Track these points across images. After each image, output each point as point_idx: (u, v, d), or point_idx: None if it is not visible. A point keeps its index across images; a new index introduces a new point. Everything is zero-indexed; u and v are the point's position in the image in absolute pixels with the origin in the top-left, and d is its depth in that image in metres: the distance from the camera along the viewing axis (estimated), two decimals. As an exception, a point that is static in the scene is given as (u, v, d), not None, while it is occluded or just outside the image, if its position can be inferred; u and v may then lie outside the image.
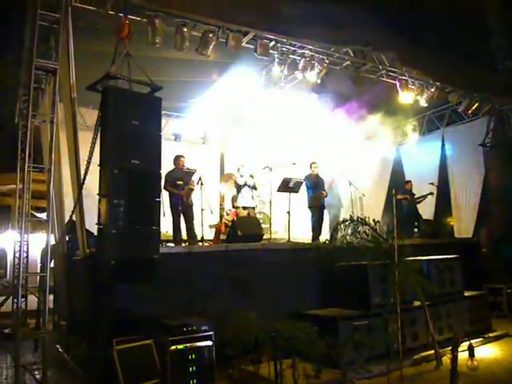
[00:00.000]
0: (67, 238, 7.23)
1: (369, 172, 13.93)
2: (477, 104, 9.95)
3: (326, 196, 9.44)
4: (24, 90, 6.68)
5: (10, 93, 9.76)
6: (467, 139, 11.54)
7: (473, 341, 6.29)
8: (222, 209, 9.64)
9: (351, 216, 6.14)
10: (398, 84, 8.73)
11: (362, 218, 6.26)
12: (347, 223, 6.13)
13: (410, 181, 11.42)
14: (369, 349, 6.03)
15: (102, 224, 4.95)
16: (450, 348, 5.06)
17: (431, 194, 11.21)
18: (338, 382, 4.82)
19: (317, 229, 9.07)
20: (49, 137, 5.94)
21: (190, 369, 4.76)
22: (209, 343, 4.95)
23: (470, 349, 5.61)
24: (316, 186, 9.34)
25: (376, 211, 12.33)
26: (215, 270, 6.44)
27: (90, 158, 5.57)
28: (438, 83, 9.06)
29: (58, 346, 7.31)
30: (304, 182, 8.83)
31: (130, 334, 5.35)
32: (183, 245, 7.47)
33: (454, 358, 3.52)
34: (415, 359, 6.36)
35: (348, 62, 7.92)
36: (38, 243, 9.17)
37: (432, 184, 11.13)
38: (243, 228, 7.16)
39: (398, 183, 12.86)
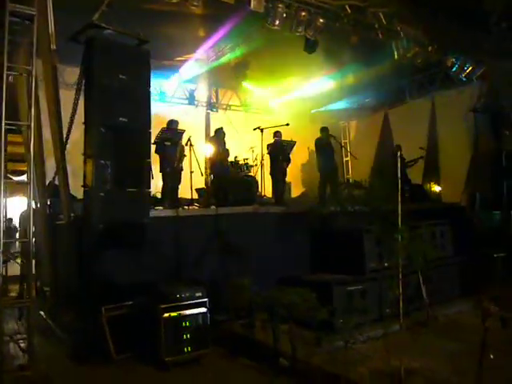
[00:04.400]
0: (48, 202, 6.90)
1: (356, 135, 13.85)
2: (471, 67, 9.71)
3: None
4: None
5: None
6: (458, 104, 11.34)
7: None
8: (207, 172, 9.33)
9: (348, 179, 5.93)
10: (393, 44, 8.40)
11: (357, 181, 6.09)
12: (342, 187, 5.96)
13: (399, 145, 11.20)
14: (363, 313, 5.98)
15: (88, 186, 4.65)
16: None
17: (421, 157, 11.08)
18: (337, 348, 4.72)
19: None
20: (25, 94, 5.52)
21: (184, 336, 4.59)
22: (203, 310, 4.77)
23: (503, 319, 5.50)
24: None
25: (363, 175, 12.21)
26: (205, 235, 6.23)
27: (72, 115, 5.19)
28: (434, 44, 8.76)
29: (41, 313, 7.09)
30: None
31: (119, 301, 5.17)
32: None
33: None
34: (409, 322, 6.33)
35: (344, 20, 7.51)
36: (17, 208, 8.81)
37: (422, 148, 10.98)
38: (235, 191, 6.91)
39: (386, 147, 12.77)
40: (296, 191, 12.03)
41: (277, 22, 6.62)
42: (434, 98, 12.05)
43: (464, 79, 10.20)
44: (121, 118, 4.59)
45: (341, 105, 13.80)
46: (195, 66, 10.96)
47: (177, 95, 11.90)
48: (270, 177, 8.45)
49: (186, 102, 12.03)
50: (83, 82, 4.88)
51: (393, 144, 12.64)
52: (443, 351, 5.05)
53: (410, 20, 8.41)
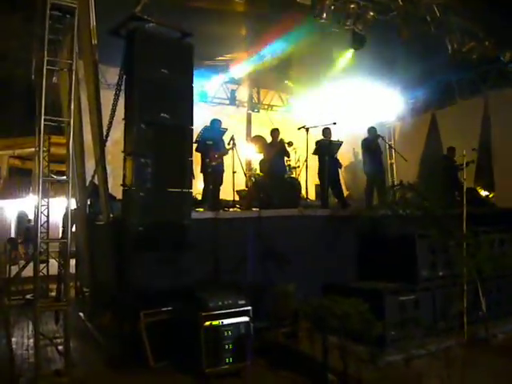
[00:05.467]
0: (88, 202, 6.82)
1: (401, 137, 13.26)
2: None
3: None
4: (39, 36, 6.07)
5: (25, 50, 9.24)
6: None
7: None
8: (251, 173, 9.04)
9: (401, 181, 5.51)
10: (447, 38, 7.88)
11: (410, 184, 5.67)
12: (395, 189, 5.55)
13: (453, 147, 10.43)
14: (416, 326, 5.54)
15: (128, 186, 4.44)
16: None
17: (473, 161, 10.40)
18: (389, 364, 4.32)
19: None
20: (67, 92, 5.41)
21: (226, 346, 4.29)
22: (246, 319, 4.46)
23: None
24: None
25: (408, 178, 11.64)
26: (247, 238, 5.94)
27: (112, 113, 5.03)
28: (490, 38, 8.17)
29: (81, 314, 7.02)
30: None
31: (157, 306, 4.96)
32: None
33: None
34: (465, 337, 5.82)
35: (395, 13, 7.07)
36: (60, 208, 8.82)
37: (474, 150, 10.30)
38: (279, 193, 6.59)
39: (433, 149, 12.15)
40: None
41: (324, 15, 6.30)
42: (488, 97, 11.36)
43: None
44: (162, 114, 4.36)
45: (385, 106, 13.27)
46: (237, 65, 10.76)
47: (218, 95, 11.71)
48: (312, 179, 8.10)
49: (227, 102, 11.83)
50: (124, 77, 4.69)
51: (441, 146, 12.03)
52: (506, 372, 4.56)
53: (465, 12, 7.88)
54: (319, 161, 7.73)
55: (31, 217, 13.46)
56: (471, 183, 10.97)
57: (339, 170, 8.12)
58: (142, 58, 4.32)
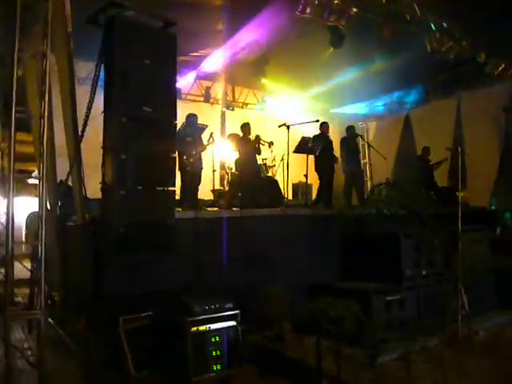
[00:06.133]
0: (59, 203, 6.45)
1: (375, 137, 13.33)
2: (504, 65, 9.22)
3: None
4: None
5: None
6: (485, 104, 10.82)
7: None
8: (230, 172, 8.82)
9: (387, 179, 5.44)
10: (426, 37, 7.90)
11: (395, 182, 5.61)
12: (381, 187, 5.47)
13: (428, 148, 10.47)
14: (402, 326, 5.49)
15: (108, 183, 4.15)
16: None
17: (446, 159, 10.54)
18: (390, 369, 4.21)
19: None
20: (35, 85, 5.05)
21: (214, 353, 4.06)
22: (234, 323, 4.24)
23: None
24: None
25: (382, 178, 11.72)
26: (229, 239, 5.73)
27: (89, 107, 4.70)
28: (468, 39, 8.25)
29: (50, 320, 6.62)
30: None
31: (137, 311, 4.67)
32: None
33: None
34: (448, 336, 5.81)
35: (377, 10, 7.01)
36: (22, 208, 8.33)
37: (449, 149, 10.43)
38: (261, 192, 6.39)
39: (407, 149, 12.30)
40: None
41: (308, 10, 6.14)
42: (460, 97, 11.55)
43: (496, 77, 9.72)
44: (144, 108, 4.09)
45: (360, 105, 13.32)
46: (212, 62, 10.50)
47: (192, 92, 11.42)
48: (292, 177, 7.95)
49: (202, 99, 11.56)
50: (101, 68, 4.39)
51: (415, 146, 12.17)
52: (495, 371, 4.55)
53: (443, 12, 7.91)
54: (317, 157, 7.63)
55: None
56: (445, 182, 11.13)
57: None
58: (122, 48, 4.03)
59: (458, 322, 5.63)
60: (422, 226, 5.62)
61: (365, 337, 4.00)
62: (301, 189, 10.47)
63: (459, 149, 6.16)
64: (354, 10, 6.57)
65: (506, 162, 10.09)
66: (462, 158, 11.12)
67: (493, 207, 10.00)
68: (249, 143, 7.87)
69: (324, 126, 7.99)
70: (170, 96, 4.32)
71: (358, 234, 6.35)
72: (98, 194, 4.70)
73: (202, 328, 4.05)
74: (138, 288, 4.68)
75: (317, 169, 7.96)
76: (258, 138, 8.07)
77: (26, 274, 6.55)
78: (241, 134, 8.19)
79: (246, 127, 8.17)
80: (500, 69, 9.31)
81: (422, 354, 4.86)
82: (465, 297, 5.91)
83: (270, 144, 8.32)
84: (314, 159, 7.77)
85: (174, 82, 4.39)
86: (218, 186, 9.18)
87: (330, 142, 7.96)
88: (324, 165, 7.80)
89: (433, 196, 9.74)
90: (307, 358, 4.29)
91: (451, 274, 5.97)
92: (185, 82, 10.98)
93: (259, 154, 8.38)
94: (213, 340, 4.08)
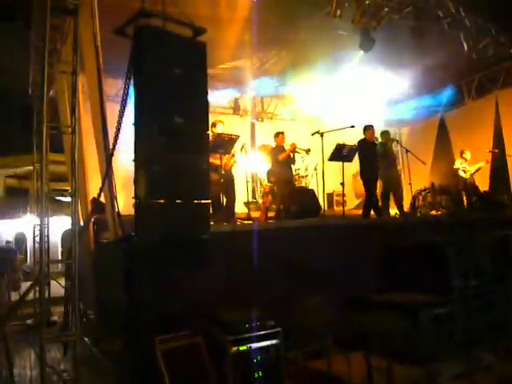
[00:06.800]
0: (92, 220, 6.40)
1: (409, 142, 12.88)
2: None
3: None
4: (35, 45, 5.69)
5: (20, 64, 8.92)
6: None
7: None
8: (261, 183, 8.64)
9: (432, 184, 5.13)
10: (462, 35, 7.56)
11: (442, 186, 5.30)
12: (425, 193, 5.17)
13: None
14: (450, 341, 5.11)
15: (140, 197, 4.01)
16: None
17: (487, 162, 10.06)
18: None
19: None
20: (67, 102, 5.02)
21: (256, 374, 3.83)
22: (276, 341, 4.00)
23: None
24: None
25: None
26: (266, 252, 5.51)
27: (119, 122, 4.61)
28: (505, 34, 7.87)
29: (85, 339, 6.54)
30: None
31: (173, 330, 4.49)
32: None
33: None
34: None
35: (408, 9, 6.74)
36: (58, 227, 8.35)
37: (491, 151, 9.97)
38: (297, 202, 6.16)
39: (443, 152, 11.87)
40: (350, 203, 11.21)
41: (338, 12, 5.94)
42: (498, 97, 11.07)
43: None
44: (176, 118, 3.96)
45: (392, 110, 12.97)
46: (239, 73, 10.42)
47: (221, 104, 11.34)
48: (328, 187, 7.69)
49: (231, 111, 11.47)
50: (131, 81, 4.29)
51: (451, 149, 11.74)
52: None
53: (477, 8, 7.58)
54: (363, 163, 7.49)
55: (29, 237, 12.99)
56: (486, 186, 10.62)
57: None
58: (152, 57, 3.92)
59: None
60: (470, 232, 5.28)
61: (417, 353, 3.67)
62: (336, 198, 10.22)
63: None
64: (385, 10, 6.33)
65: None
66: (504, 160, 10.69)
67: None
68: (283, 152, 7.68)
69: (368, 130, 7.72)
70: (202, 105, 4.17)
71: (400, 242, 6.03)
72: (130, 210, 4.60)
73: (242, 347, 3.83)
74: (174, 306, 4.51)
75: (363, 177, 7.72)
76: (293, 145, 7.90)
77: (63, 292, 6.53)
78: (273, 144, 8.02)
79: (279, 136, 8.00)
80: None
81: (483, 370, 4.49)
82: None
83: (308, 151, 8.07)
84: (359, 167, 7.53)
85: (206, 91, 4.24)
86: (250, 199, 9.01)
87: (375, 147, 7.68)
88: (370, 172, 7.54)
89: (476, 201, 9.29)
90: (355, 378, 4.00)
91: (503, 282, 5.59)
92: (213, 94, 10.92)
93: (293, 163, 8.20)
94: (255, 360, 3.85)
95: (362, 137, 7.87)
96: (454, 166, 10.11)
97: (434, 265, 5.61)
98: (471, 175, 9.95)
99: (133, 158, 4.05)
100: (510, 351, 5.43)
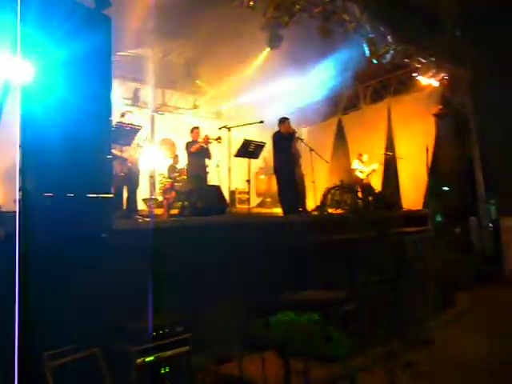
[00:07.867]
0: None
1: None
2: (434, 70, 9.51)
3: None
4: None
5: None
6: (413, 110, 11.13)
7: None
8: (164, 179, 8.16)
9: (341, 181, 5.14)
10: (364, 40, 7.84)
11: (348, 184, 5.34)
12: (334, 190, 5.16)
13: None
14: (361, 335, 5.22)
15: (26, 191, 3.40)
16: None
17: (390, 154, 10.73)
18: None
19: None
20: None
21: (163, 386, 3.45)
22: (185, 348, 3.66)
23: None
24: None
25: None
26: (172, 253, 5.09)
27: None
28: (401, 44, 8.34)
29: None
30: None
31: (68, 342, 3.91)
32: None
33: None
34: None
35: (318, 9, 6.78)
36: None
37: (385, 154, 10.59)
38: (204, 198, 5.84)
39: (341, 153, 12.42)
40: (252, 201, 11.12)
41: (251, 3, 5.74)
42: (390, 103, 11.81)
43: (427, 82, 9.98)
44: (73, 99, 3.42)
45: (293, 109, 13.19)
46: (139, 62, 9.78)
47: (119, 94, 10.57)
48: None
49: (130, 102, 10.75)
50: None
51: (348, 151, 12.29)
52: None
53: (380, 16, 7.91)
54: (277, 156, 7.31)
55: None
56: (379, 187, 11.25)
57: None
58: (38, 25, 3.31)
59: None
60: (373, 230, 5.41)
61: (332, 353, 3.59)
62: (238, 195, 10.11)
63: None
64: (298, 6, 6.29)
65: (436, 166, 10.39)
66: (395, 162, 11.43)
67: (426, 210, 10.21)
68: (197, 147, 7.39)
69: (283, 123, 7.52)
70: (104, 86, 3.70)
71: (308, 240, 6.01)
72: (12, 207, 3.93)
73: (148, 358, 3.43)
74: (67, 314, 3.92)
75: (278, 170, 7.58)
76: (206, 137, 7.65)
77: None
78: (173, 139, 7.66)
79: (194, 131, 7.92)
80: (430, 74, 9.54)
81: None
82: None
83: (218, 139, 7.75)
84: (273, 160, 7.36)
85: (109, 70, 3.77)
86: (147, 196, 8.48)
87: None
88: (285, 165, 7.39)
89: (371, 201, 9.73)
90: (270, 380, 3.81)
91: (402, 277, 5.84)
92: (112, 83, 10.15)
93: (209, 158, 7.92)
94: (163, 371, 3.47)
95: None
96: (351, 167, 10.62)
97: (341, 262, 5.71)
98: (367, 176, 10.54)
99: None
100: (416, 341, 5.75)
